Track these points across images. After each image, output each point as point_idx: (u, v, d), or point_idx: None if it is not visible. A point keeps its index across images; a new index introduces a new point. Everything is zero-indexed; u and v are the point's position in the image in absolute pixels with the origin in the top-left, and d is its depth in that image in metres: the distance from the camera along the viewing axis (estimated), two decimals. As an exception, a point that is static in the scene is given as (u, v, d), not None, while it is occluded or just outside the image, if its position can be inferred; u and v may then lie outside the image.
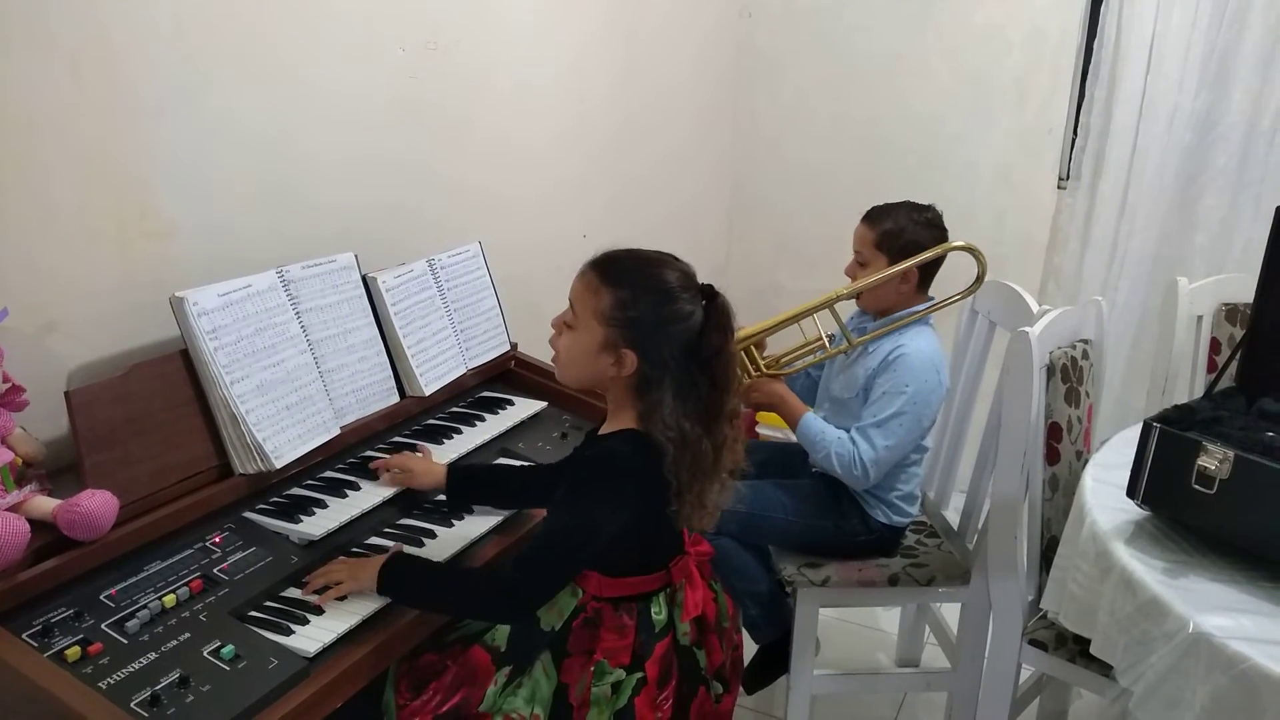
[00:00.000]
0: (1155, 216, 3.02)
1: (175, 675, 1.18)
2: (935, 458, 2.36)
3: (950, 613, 2.33)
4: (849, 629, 2.69)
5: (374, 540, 1.54)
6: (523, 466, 1.80)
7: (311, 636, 1.29)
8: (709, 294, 1.40)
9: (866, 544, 2.15)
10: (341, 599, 1.37)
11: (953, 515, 2.35)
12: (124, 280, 1.55)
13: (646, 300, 1.37)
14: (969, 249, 2.11)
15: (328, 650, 1.29)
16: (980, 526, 2.16)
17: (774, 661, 2.24)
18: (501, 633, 1.45)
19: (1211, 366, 2.36)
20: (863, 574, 2.13)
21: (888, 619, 2.71)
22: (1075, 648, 1.87)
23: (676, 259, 1.42)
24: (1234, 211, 2.97)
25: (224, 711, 1.14)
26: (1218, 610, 1.35)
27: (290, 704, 1.20)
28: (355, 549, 1.50)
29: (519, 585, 1.37)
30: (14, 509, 1.25)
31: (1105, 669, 1.80)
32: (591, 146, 2.74)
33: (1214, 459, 1.44)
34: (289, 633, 1.30)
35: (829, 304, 2.13)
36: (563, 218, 2.66)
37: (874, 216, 2.14)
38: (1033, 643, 1.93)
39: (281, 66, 1.75)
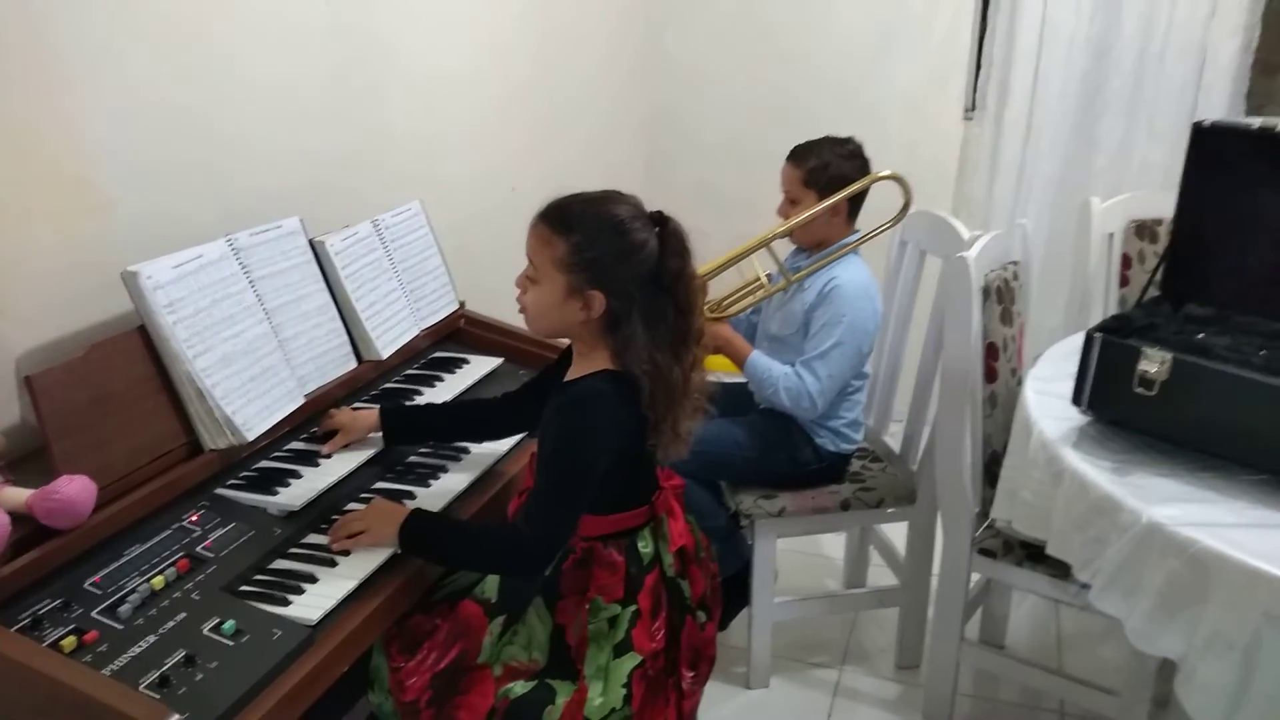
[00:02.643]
0: (1058, 141, 3.16)
1: (180, 655, 1.16)
2: (873, 386, 2.44)
3: (894, 533, 2.44)
4: (797, 558, 2.79)
5: (353, 506, 1.52)
6: (456, 401, 1.81)
7: (311, 604, 1.29)
8: (660, 220, 1.42)
9: (817, 473, 2.23)
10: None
11: (892, 441, 2.45)
12: (66, 259, 1.48)
13: (601, 238, 1.38)
14: (895, 178, 2.19)
15: (330, 616, 1.28)
16: (924, 448, 2.25)
17: (734, 595, 2.31)
18: (491, 584, 1.47)
19: (1124, 281, 2.50)
20: (816, 501, 2.21)
21: (832, 546, 2.81)
22: (1022, 553, 1.99)
23: (621, 194, 1.43)
24: (1130, 132, 3.12)
25: (238, 685, 1.14)
26: (1166, 501, 1.45)
27: (301, 671, 1.19)
28: (334, 515, 1.49)
29: (531, 540, 1.39)
30: (-13, 501, 1.20)
31: (1051, 571, 1.94)
32: (514, 119, 2.74)
33: (1154, 363, 1.54)
34: (286, 603, 1.29)
35: (765, 243, 2.19)
36: (491, 184, 2.64)
37: (799, 154, 2.20)
38: (982, 551, 2.04)
39: (200, 36, 1.68)
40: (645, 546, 1.47)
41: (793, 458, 2.20)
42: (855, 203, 2.20)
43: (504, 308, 2.16)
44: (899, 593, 2.36)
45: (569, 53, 3.00)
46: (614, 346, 1.40)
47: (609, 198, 1.41)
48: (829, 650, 2.45)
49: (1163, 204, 2.58)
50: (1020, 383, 2.09)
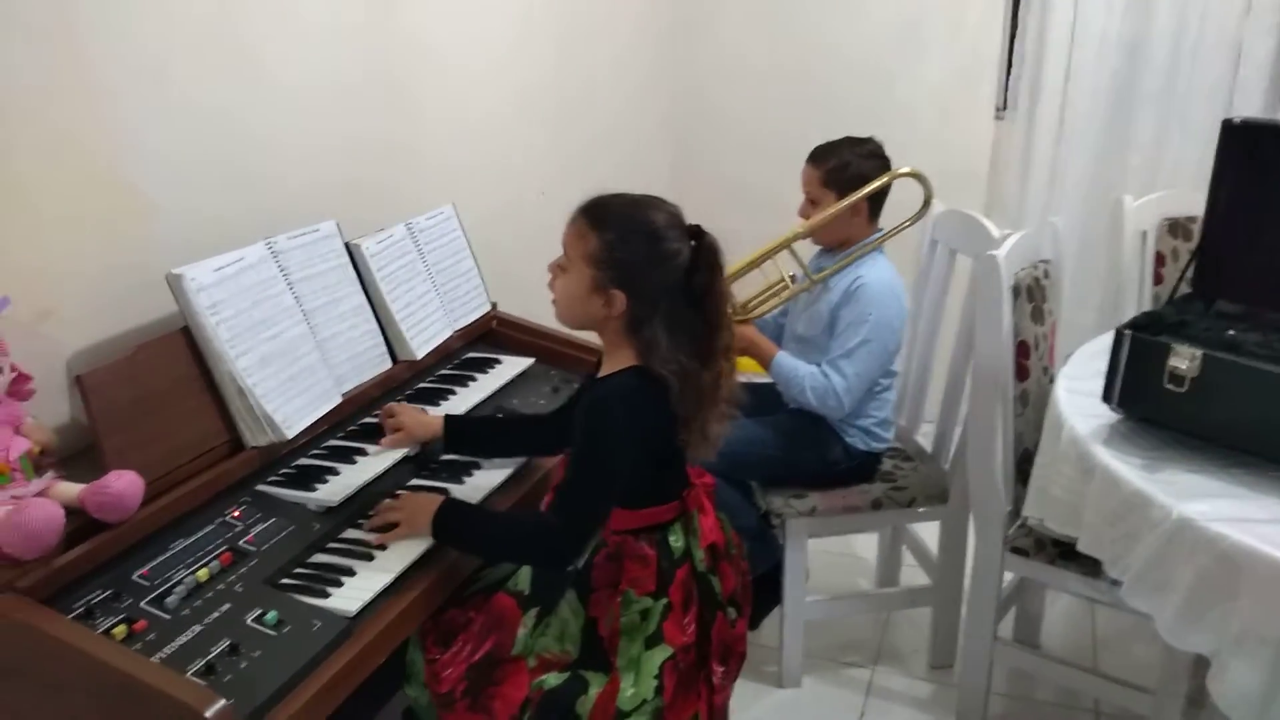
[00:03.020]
0: (1090, 139, 3.14)
1: (225, 644, 1.20)
2: (904, 385, 2.45)
3: (926, 533, 2.44)
4: (830, 559, 2.79)
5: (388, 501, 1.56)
6: (518, 415, 1.84)
7: (350, 596, 1.32)
8: (696, 234, 1.45)
9: (848, 472, 2.24)
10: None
11: (924, 440, 2.45)
12: (112, 263, 1.53)
13: (632, 241, 1.41)
14: (914, 174, 2.21)
15: (368, 609, 1.32)
16: (955, 447, 2.25)
17: (766, 594, 2.32)
18: (524, 577, 1.50)
19: (1158, 279, 2.48)
20: (847, 500, 2.22)
21: (865, 546, 2.82)
22: (1054, 551, 1.98)
23: (663, 201, 1.46)
24: (1163, 130, 3.10)
25: (280, 673, 1.17)
26: (1196, 498, 1.45)
27: (340, 661, 1.23)
28: (371, 511, 1.52)
29: (562, 530, 1.42)
30: (40, 495, 1.25)
31: (1083, 569, 1.93)
32: (540, 112, 2.77)
33: (1184, 359, 1.54)
34: (326, 595, 1.32)
35: (787, 244, 2.21)
36: (519, 179, 2.68)
37: (818, 156, 2.22)
38: (1014, 550, 2.04)
39: (234, 41, 1.72)
40: (676, 541, 1.49)
41: (822, 457, 2.21)
42: (876, 202, 2.21)
43: (533, 304, 2.20)
44: (931, 592, 2.36)
45: (594, 43, 3.01)
46: (638, 347, 1.43)
47: (650, 203, 1.44)
48: (861, 650, 2.45)
49: (1196, 202, 2.54)
50: (1052, 381, 2.09)
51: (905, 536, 2.59)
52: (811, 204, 2.22)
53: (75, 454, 1.42)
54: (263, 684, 1.15)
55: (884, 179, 2.17)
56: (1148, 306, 2.48)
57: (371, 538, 1.43)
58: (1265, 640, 1.33)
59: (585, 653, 1.45)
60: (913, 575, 2.61)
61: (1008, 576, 2.09)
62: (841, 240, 2.21)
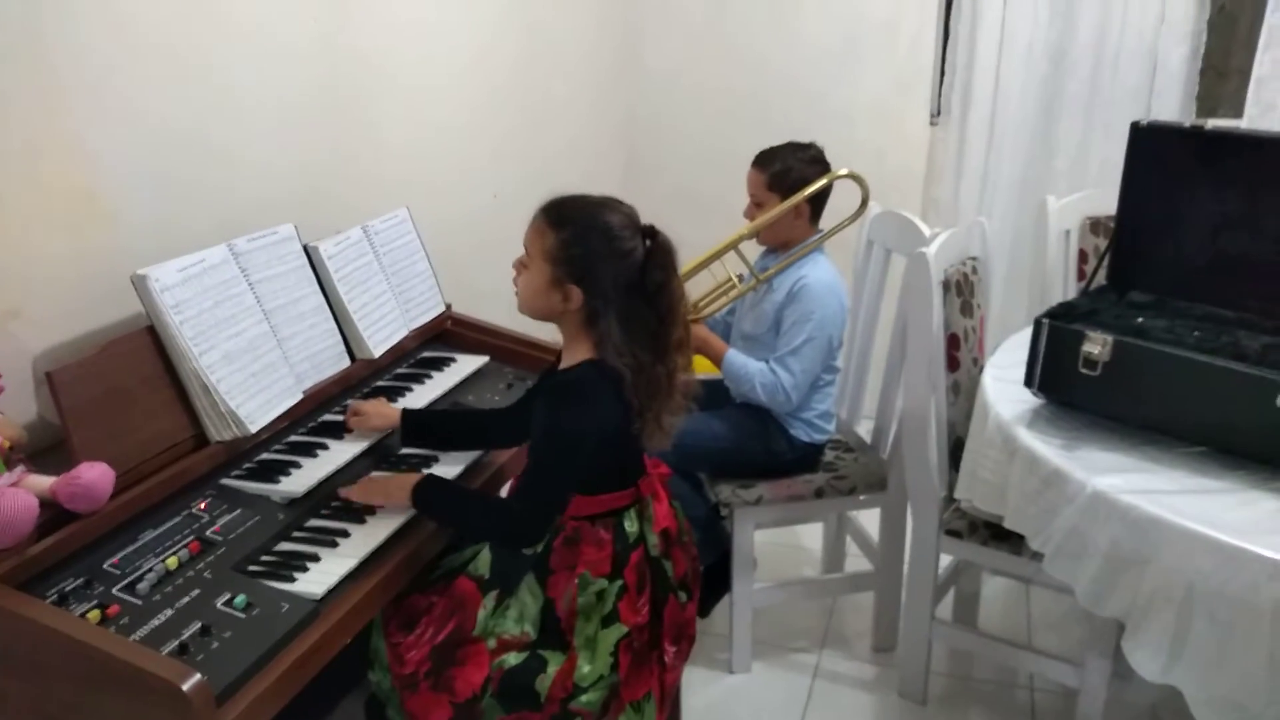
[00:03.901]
0: (1020, 144, 3.29)
1: (196, 626, 1.25)
2: (844, 380, 2.55)
3: (868, 521, 2.55)
4: (777, 550, 2.89)
5: (351, 493, 1.62)
6: (475, 409, 1.90)
7: (316, 580, 1.38)
8: (650, 233, 1.53)
9: (792, 462, 2.34)
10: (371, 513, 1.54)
11: (864, 432, 2.55)
12: (76, 266, 1.57)
13: (588, 239, 1.49)
14: (851, 176, 2.32)
15: (333, 592, 1.37)
16: (893, 437, 2.36)
17: (715, 583, 2.41)
18: (484, 561, 1.57)
19: (1081, 275, 2.62)
20: (791, 489, 2.31)
21: (810, 538, 2.92)
22: (986, 533, 2.10)
23: (620, 202, 1.54)
24: (1088, 134, 3.25)
25: (251, 652, 1.22)
26: (1110, 472, 1.57)
27: (308, 641, 1.28)
28: (334, 502, 1.58)
29: (523, 514, 1.50)
30: (14, 487, 1.29)
31: (1012, 548, 2.05)
32: (495, 128, 2.84)
33: (1096, 344, 1.66)
34: (292, 580, 1.38)
35: (734, 245, 2.31)
36: (474, 191, 2.75)
37: (762, 160, 2.32)
38: (949, 533, 2.15)
39: (192, 52, 1.77)
40: (631, 526, 1.56)
41: (769, 448, 2.30)
42: (817, 204, 2.32)
43: (487, 308, 2.27)
44: (873, 577, 2.46)
45: (547, 60, 3.10)
46: (594, 339, 1.51)
47: (606, 204, 1.52)
48: (808, 636, 2.55)
49: (1114, 201, 2.72)
50: (981, 371, 2.21)
51: (848, 526, 2.69)
52: (756, 206, 2.32)
53: (42, 451, 1.46)
54: (234, 662, 1.21)
55: (824, 180, 2.28)
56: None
57: (353, 493, 1.54)
58: (1170, 600, 1.44)
59: (543, 633, 1.52)
60: (856, 564, 2.72)
61: (945, 559, 2.20)
62: (784, 241, 2.32)
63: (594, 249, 1.48)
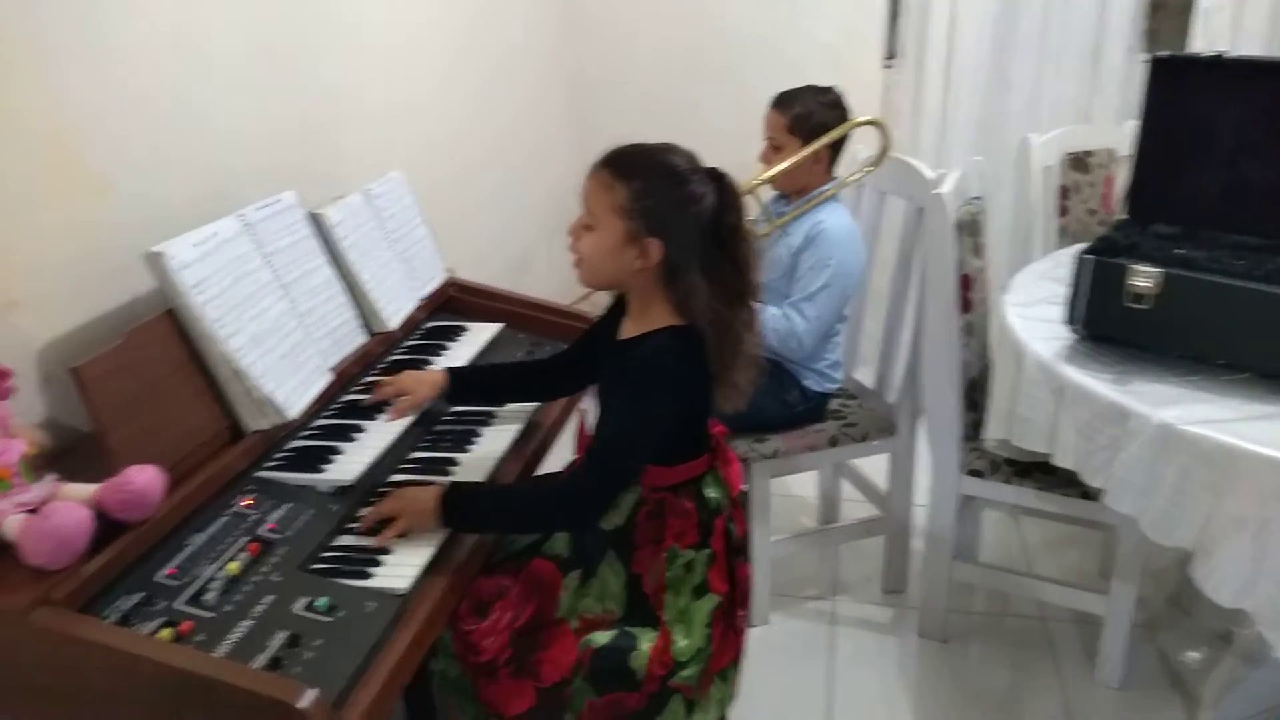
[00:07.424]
0: (977, 84, 3.29)
1: (283, 636, 1.14)
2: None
3: (867, 466, 2.54)
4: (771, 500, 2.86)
5: (398, 478, 1.51)
6: (518, 362, 1.83)
7: (396, 574, 1.27)
8: (716, 175, 1.42)
9: (804, 413, 2.31)
10: (401, 535, 1.35)
11: (862, 377, 2.54)
12: (76, 246, 1.40)
13: (661, 187, 1.38)
14: (875, 123, 2.25)
15: (416, 583, 1.27)
16: (902, 382, 2.35)
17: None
18: (560, 541, 1.48)
19: (1063, 211, 2.65)
20: (805, 440, 2.28)
21: (799, 486, 2.91)
22: (1009, 470, 2.11)
23: (677, 146, 1.43)
24: (1041, 72, 3.28)
25: (351, 659, 1.12)
26: (1169, 405, 1.57)
27: (405, 638, 1.19)
28: (382, 488, 1.47)
29: (596, 491, 1.40)
30: (51, 499, 1.14)
31: (1038, 484, 2.07)
32: (448, 70, 2.69)
33: (1145, 279, 1.66)
34: (368, 575, 1.27)
35: (750, 190, 2.22)
36: (435, 145, 2.59)
37: (783, 102, 2.24)
38: (970, 472, 2.15)
39: (164, 17, 1.59)
40: (711, 492, 1.49)
41: (783, 400, 2.26)
42: (835, 150, 2.26)
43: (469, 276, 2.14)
44: (883, 522, 2.46)
45: (499, 21, 2.95)
46: (674, 298, 1.40)
47: (668, 148, 1.41)
48: (817, 584, 2.54)
49: (1092, 137, 2.76)
50: (988, 312, 2.21)
51: (846, 471, 2.69)
52: (775, 150, 2.23)
53: (58, 455, 1.30)
54: (337, 672, 1.10)
55: (846, 126, 2.22)
56: (1054, 238, 2.65)
57: (370, 542, 1.34)
58: (1245, 526, 1.46)
59: (629, 610, 1.44)
60: (851, 509, 2.72)
61: (948, 500, 2.21)
62: (800, 187, 2.25)
63: (669, 197, 1.37)
